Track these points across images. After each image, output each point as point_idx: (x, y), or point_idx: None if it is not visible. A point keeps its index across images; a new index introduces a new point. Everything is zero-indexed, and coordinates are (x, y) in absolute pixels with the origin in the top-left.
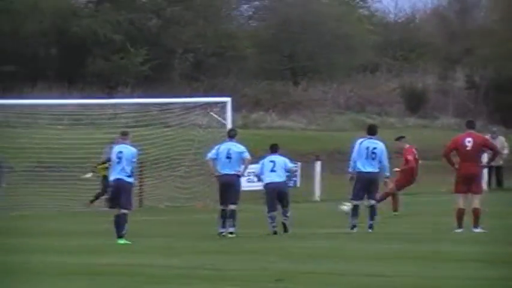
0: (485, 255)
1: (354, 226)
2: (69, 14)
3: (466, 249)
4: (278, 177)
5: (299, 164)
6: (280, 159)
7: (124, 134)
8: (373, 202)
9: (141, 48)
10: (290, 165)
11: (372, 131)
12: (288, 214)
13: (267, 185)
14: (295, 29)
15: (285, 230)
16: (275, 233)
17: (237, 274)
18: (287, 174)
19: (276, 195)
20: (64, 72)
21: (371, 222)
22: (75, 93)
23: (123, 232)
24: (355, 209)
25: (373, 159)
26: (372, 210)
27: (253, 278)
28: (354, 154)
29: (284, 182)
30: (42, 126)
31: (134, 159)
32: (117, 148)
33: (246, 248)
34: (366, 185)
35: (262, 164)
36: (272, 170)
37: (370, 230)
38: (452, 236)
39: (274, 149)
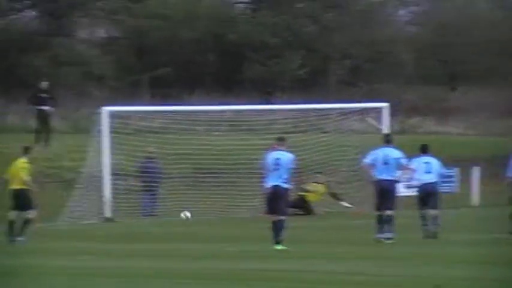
0: None
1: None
2: (225, 19)
3: None
4: (432, 178)
5: (456, 169)
6: (435, 162)
7: (280, 140)
8: None
9: (296, 52)
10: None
11: None
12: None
13: (421, 186)
14: (452, 34)
15: (434, 236)
16: (427, 235)
17: (394, 280)
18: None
19: (427, 196)
20: (221, 78)
21: None
22: (233, 99)
23: (281, 238)
24: None
25: None
26: None
27: (409, 284)
28: None
29: (436, 183)
30: (200, 133)
31: (291, 166)
32: (274, 155)
33: (403, 254)
34: None
35: (418, 164)
36: (428, 172)
37: None
38: None
39: (425, 150)
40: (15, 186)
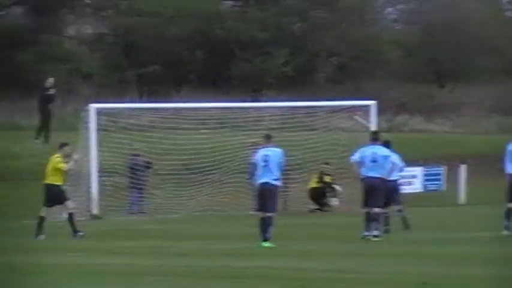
0: None
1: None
2: (213, 16)
3: None
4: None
5: (444, 167)
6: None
7: (267, 137)
8: None
9: (282, 49)
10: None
11: None
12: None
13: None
14: (439, 31)
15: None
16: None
17: (381, 277)
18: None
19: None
20: (209, 76)
21: None
22: (220, 97)
23: (268, 235)
24: None
25: None
26: None
27: (397, 281)
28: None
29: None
30: (187, 130)
31: (281, 160)
32: (262, 152)
33: (390, 252)
34: None
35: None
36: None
37: None
38: None
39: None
40: (49, 181)
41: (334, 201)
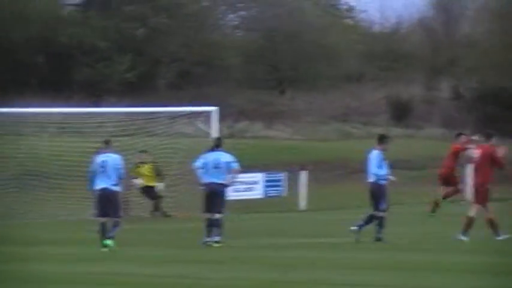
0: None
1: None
2: (55, 21)
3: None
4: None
5: (284, 173)
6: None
7: (106, 143)
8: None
9: (125, 55)
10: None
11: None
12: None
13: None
14: (280, 38)
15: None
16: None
17: (221, 284)
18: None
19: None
20: (51, 81)
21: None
22: (62, 102)
23: (112, 234)
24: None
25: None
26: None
27: (235, 287)
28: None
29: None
30: (28, 135)
31: (119, 166)
32: (100, 157)
33: (231, 258)
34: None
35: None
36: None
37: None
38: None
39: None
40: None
41: (160, 186)
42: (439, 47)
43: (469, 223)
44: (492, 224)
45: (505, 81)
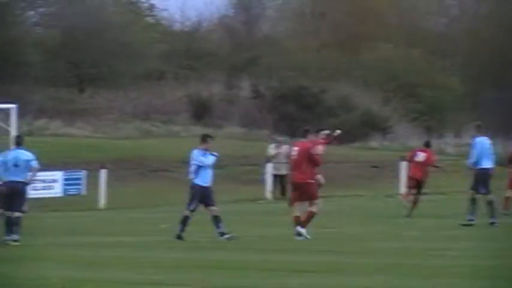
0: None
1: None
2: None
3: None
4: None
5: (84, 172)
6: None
7: None
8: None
9: None
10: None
11: None
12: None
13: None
14: (81, 36)
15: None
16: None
17: (21, 283)
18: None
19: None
20: None
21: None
22: None
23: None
24: None
25: None
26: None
27: (34, 286)
28: None
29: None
30: None
31: None
32: None
33: (28, 256)
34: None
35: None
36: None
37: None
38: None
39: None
40: None
41: None
42: (240, 46)
43: (297, 221)
44: (305, 221)
45: (304, 80)
